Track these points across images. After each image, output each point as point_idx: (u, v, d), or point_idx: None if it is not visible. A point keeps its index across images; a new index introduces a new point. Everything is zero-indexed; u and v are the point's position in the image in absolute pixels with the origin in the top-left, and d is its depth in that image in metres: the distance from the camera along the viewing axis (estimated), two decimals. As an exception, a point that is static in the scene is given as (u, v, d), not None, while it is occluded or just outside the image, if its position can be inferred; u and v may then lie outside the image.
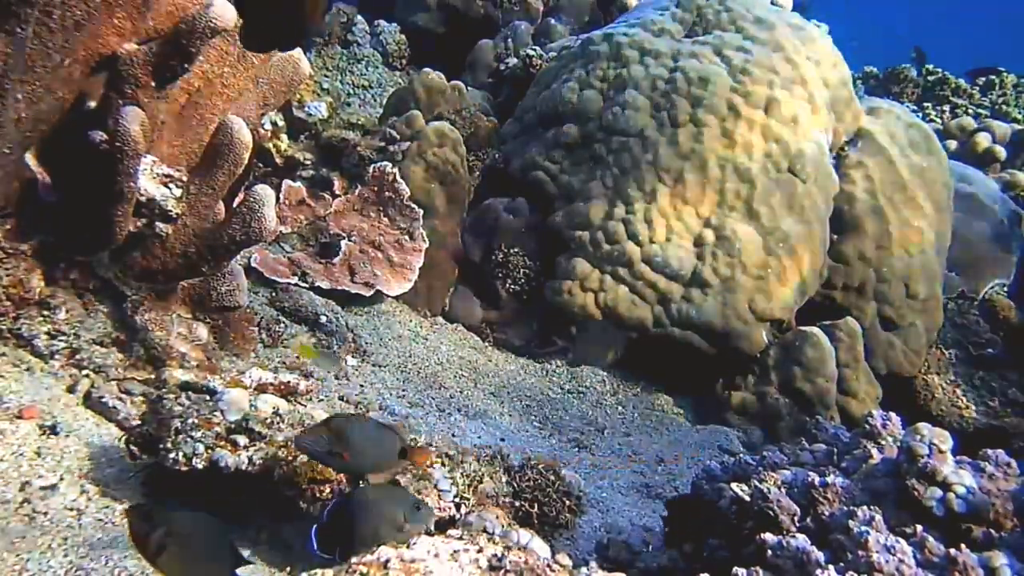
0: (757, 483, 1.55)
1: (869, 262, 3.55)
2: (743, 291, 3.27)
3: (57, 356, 1.98)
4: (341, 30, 4.51)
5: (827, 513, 1.49)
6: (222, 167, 2.01)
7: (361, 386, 2.65)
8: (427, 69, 3.79)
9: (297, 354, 2.56)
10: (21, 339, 1.95)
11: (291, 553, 1.67)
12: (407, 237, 3.23)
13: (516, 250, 3.45)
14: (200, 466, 1.66)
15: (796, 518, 1.50)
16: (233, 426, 1.74)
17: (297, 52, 2.30)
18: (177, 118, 2.07)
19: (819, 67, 3.62)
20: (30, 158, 1.93)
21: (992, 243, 4.41)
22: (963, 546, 1.32)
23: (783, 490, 1.52)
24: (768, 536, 1.43)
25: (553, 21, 4.67)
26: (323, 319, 2.85)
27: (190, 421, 1.72)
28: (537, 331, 3.43)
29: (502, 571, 1.26)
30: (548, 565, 1.31)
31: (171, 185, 2.02)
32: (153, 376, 2.07)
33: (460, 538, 1.33)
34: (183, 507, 1.50)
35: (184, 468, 1.66)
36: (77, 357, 2.01)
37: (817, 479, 1.52)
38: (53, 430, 1.76)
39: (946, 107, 7.04)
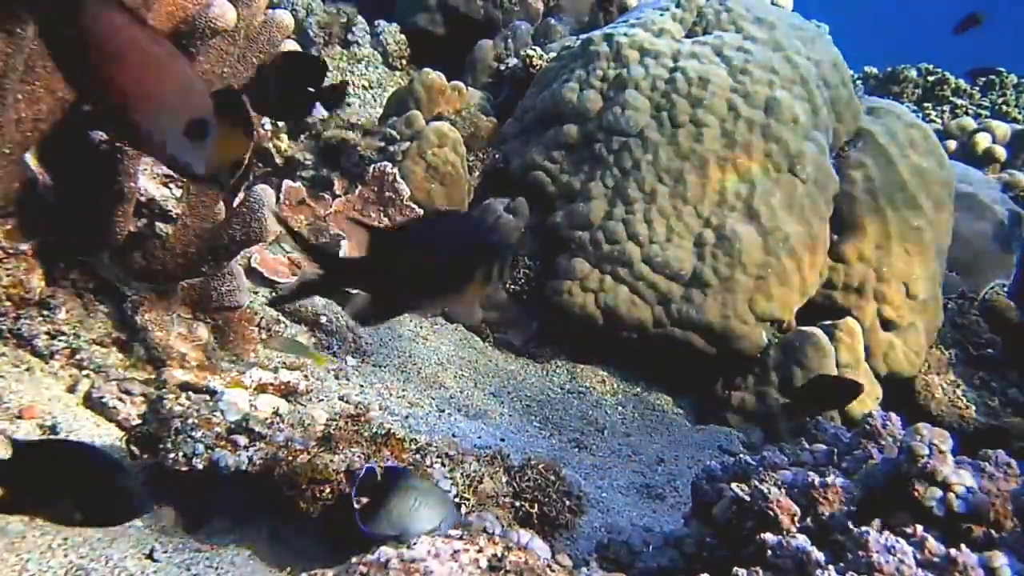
0: (757, 483, 1.55)
1: (869, 262, 3.55)
2: (743, 291, 3.27)
3: (57, 356, 1.98)
4: (341, 30, 4.51)
5: (827, 513, 1.49)
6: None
7: (361, 386, 2.65)
8: (427, 69, 3.79)
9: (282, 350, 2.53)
10: (21, 339, 1.95)
11: (291, 553, 1.67)
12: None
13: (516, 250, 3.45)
14: (200, 466, 1.66)
15: (796, 518, 1.50)
16: (233, 426, 1.74)
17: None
18: (177, 118, 2.07)
19: (819, 67, 3.62)
20: (30, 158, 1.93)
21: (992, 243, 4.41)
22: (963, 546, 1.32)
23: (783, 490, 1.52)
24: (768, 536, 1.43)
25: (553, 21, 4.67)
26: (323, 319, 2.85)
27: (190, 421, 1.72)
28: (537, 331, 3.43)
29: (502, 571, 1.26)
30: (548, 565, 1.31)
31: (171, 185, 2.03)
32: (153, 376, 2.07)
33: (460, 538, 1.33)
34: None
35: (184, 468, 1.66)
36: (77, 357, 2.01)
37: (817, 479, 1.52)
38: (53, 430, 1.76)
39: (946, 107, 7.04)
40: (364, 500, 1.38)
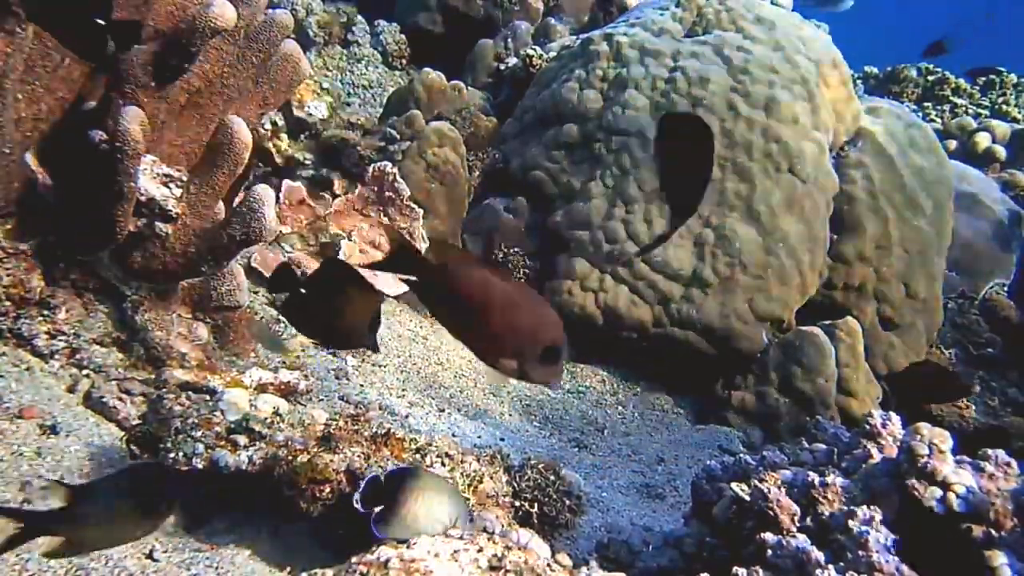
0: (757, 483, 1.55)
1: (869, 262, 3.55)
2: (743, 291, 3.27)
3: (57, 356, 1.98)
4: (341, 30, 4.51)
5: (827, 513, 1.49)
6: (222, 167, 2.01)
7: (361, 386, 2.65)
8: (427, 69, 3.79)
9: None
10: (21, 339, 1.95)
11: (291, 553, 1.67)
12: (407, 237, 3.23)
13: (516, 250, 3.44)
14: (200, 466, 1.66)
15: (796, 518, 1.50)
16: (233, 426, 1.74)
17: (297, 51, 2.30)
18: (177, 118, 2.07)
19: (819, 67, 3.62)
20: (30, 158, 1.93)
21: (992, 243, 4.41)
22: (963, 546, 1.32)
23: (783, 490, 1.53)
24: (768, 536, 1.43)
25: (553, 21, 4.67)
26: (323, 319, 2.85)
27: (190, 421, 1.72)
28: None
29: (502, 571, 1.26)
30: (548, 565, 1.31)
31: (171, 185, 2.03)
32: (153, 376, 2.07)
33: (460, 538, 1.33)
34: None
35: (184, 468, 1.66)
36: (77, 357, 2.01)
37: (817, 479, 1.53)
38: (53, 430, 1.76)
39: (946, 107, 7.04)
40: (376, 507, 1.37)
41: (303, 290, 1.46)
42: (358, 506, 1.40)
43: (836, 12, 7.17)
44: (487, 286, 1.20)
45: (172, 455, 1.67)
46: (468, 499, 1.74)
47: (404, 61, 4.62)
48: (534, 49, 4.21)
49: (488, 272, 1.22)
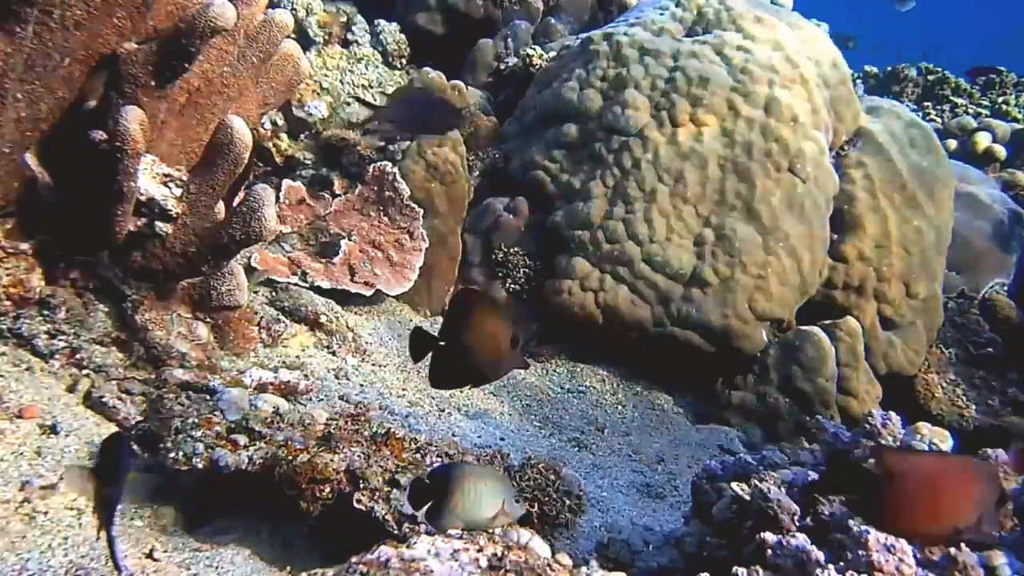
0: (757, 482, 1.55)
1: (869, 262, 3.55)
2: (743, 291, 3.27)
3: (57, 356, 1.98)
4: (341, 29, 4.51)
5: (827, 512, 1.49)
6: (222, 166, 2.02)
7: (361, 385, 2.65)
8: (427, 69, 3.79)
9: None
10: (21, 339, 1.95)
11: (291, 553, 1.67)
12: (407, 236, 3.23)
13: (516, 250, 3.44)
14: (200, 465, 1.66)
15: (796, 517, 1.50)
16: (233, 425, 1.74)
17: (297, 51, 2.30)
18: (177, 117, 2.07)
19: (819, 66, 3.62)
20: (30, 158, 1.93)
21: (992, 242, 4.41)
22: (963, 545, 1.33)
23: (783, 489, 1.53)
24: (768, 535, 1.43)
25: (553, 20, 4.67)
26: (323, 319, 2.85)
27: (190, 420, 1.73)
28: (537, 331, 3.43)
29: (502, 570, 1.26)
30: (548, 564, 1.31)
31: (171, 184, 2.03)
32: (153, 376, 2.07)
33: (460, 537, 1.33)
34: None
35: (184, 467, 1.66)
36: (77, 356, 2.01)
37: (817, 478, 1.53)
38: (53, 429, 1.76)
39: (946, 106, 7.03)
40: (428, 504, 1.37)
41: (442, 341, 1.39)
42: (407, 507, 1.40)
43: (901, 12, 7.27)
44: (938, 476, 1.19)
45: (172, 455, 1.67)
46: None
47: (404, 61, 4.61)
48: (534, 49, 4.20)
49: (927, 458, 1.22)
